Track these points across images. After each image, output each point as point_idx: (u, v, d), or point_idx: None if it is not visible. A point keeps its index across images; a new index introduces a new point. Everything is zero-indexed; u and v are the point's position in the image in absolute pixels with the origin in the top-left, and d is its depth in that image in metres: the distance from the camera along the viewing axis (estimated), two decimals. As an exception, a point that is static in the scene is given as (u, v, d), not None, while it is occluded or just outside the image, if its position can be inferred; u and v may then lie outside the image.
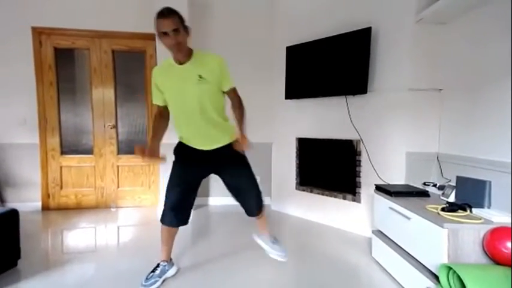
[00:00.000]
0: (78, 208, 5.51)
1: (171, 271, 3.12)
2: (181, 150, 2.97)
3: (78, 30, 5.29)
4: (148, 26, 5.16)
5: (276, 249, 3.26)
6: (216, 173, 3.04)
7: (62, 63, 5.43)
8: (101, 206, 5.60)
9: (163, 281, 3.01)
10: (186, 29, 2.63)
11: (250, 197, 3.10)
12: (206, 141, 2.86)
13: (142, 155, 2.77)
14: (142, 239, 4.19)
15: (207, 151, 2.87)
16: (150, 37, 5.27)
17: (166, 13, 2.53)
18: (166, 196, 2.96)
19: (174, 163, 3.01)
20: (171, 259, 3.16)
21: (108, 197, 5.63)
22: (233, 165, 2.98)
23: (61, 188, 5.49)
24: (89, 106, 5.50)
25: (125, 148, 5.67)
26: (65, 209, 5.45)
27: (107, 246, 3.98)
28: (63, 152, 5.49)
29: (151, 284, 2.90)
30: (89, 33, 5.34)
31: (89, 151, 5.56)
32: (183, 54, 2.67)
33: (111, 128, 5.53)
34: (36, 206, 5.36)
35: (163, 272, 3.03)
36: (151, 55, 5.48)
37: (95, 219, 5.00)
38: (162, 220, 2.97)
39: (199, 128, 2.80)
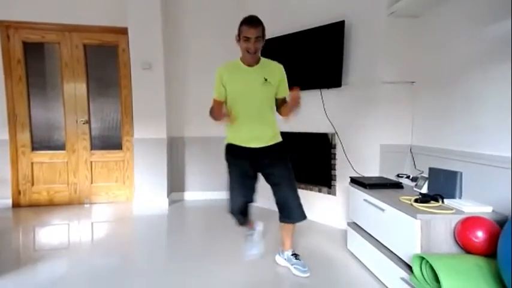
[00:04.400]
0: (51, 205, 5.41)
1: (259, 228, 3.51)
2: (232, 153, 3.13)
3: (47, 24, 5.18)
4: (121, 19, 5.15)
5: (299, 265, 3.15)
6: (260, 171, 3.14)
7: (31, 58, 5.31)
8: (74, 202, 5.51)
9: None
10: (264, 38, 2.95)
11: (292, 200, 3.09)
12: (259, 137, 3.01)
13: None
14: (117, 235, 4.15)
15: (256, 148, 3.01)
16: (122, 31, 5.21)
17: (255, 21, 2.85)
18: (231, 197, 3.12)
19: (230, 167, 3.15)
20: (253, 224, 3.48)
21: (82, 193, 5.54)
22: (278, 164, 3.09)
23: (32, 184, 5.38)
24: (61, 101, 5.39)
25: (98, 143, 5.59)
26: (36, 206, 5.34)
27: (80, 243, 3.92)
28: (34, 148, 5.38)
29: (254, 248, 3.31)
30: (59, 27, 5.23)
31: (61, 147, 5.46)
32: (255, 60, 2.99)
33: (83, 123, 5.43)
34: (7, 203, 5.25)
35: (258, 233, 3.43)
36: (124, 49, 5.40)
37: (68, 215, 4.92)
38: (232, 211, 3.15)
39: (255, 124, 3.00)
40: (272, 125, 3.08)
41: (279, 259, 3.30)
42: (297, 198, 3.08)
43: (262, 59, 3.06)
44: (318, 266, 3.21)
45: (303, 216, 3.08)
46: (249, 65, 2.99)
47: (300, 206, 3.07)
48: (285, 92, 3.09)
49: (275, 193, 3.15)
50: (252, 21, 2.84)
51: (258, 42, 2.85)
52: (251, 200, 3.17)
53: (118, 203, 5.57)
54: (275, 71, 3.04)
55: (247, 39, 2.82)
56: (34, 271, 3.17)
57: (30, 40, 5.24)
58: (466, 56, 3.01)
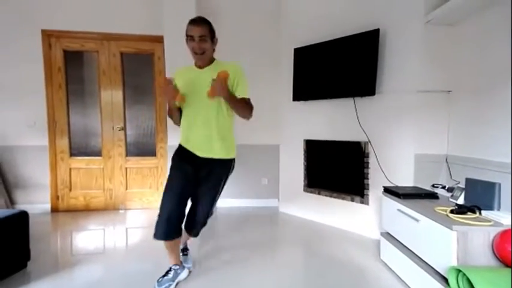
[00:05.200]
0: (87, 210, 5.54)
1: (183, 274, 3.08)
2: (180, 153, 3.00)
3: (87, 33, 5.34)
4: (157, 28, 5.26)
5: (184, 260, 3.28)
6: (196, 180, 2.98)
7: (71, 66, 5.47)
8: (109, 208, 5.62)
9: (177, 284, 2.99)
10: (213, 39, 2.82)
11: (199, 218, 3.05)
12: (204, 146, 2.89)
13: (165, 84, 2.71)
14: (150, 241, 4.16)
15: (201, 158, 2.90)
16: (158, 39, 5.31)
17: (198, 20, 2.76)
18: (162, 206, 2.84)
19: (171, 167, 2.99)
20: (181, 262, 3.14)
21: (117, 198, 5.65)
22: (210, 181, 2.96)
23: (70, 189, 5.52)
24: (98, 108, 5.53)
25: (133, 150, 5.70)
26: (73, 211, 5.48)
27: (115, 248, 4.00)
28: (72, 154, 5.53)
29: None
30: (98, 35, 5.38)
31: (97, 153, 5.59)
32: (204, 62, 2.86)
33: (119, 130, 5.55)
34: (46, 208, 5.39)
35: (176, 275, 3.00)
36: (160, 57, 5.51)
37: (103, 221, 5.03)
38: (155, 235, 2.82)
39: (203, 132, 2.86)
40: (224, 136, 2.91)
41: None
42: (205, 218, 3.08)
43: (217, 61, 2.92)
44: (350, 276, 3.18)
45: (196, 235, 3.24)
46: (200, 67, 2.88)
47: (201, 226, 3.14)
48: (241, 92, 2.82)
49: (191, 203, 3.06)
50: (195, 20, 2.76)
51: (203, 41, 2.72)
52: (184, 207, 2.91)
53: (151, 209, 5.64)
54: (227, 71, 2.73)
55: (191, 38, 2.72)
56: (71, 275, 3.25)
57: (70, 48, 5.41)
58: (505, 64, 2.95)
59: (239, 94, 2.82)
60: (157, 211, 2.83)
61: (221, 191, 3.06)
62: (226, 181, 3.06)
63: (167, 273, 2.98)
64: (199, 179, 2.94)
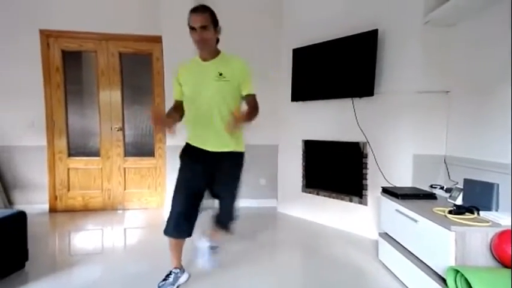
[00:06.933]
0: (85, 210, 5.53)
1: (183, 278, 3.03)
2: (188, 152, 2.90)
3: (85, 33, 5.34)
4: (155, 28, 5.25)
5: (208, 256, 3.15)
6: (211, 177, 2.92)
7: (69, 66, 5.47)
8: (107, 208, 5.61)
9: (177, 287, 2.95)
10: (216, 28, 2.74)
11: (225, 213, 3.07)
12: (214, 141, 2.78)
13: (155, 116, 2.53)
14: (149, 241, 4.20)
15: (212, 153, 2.79)
16: (156, 40, 5.30)
17: (198, 9, 2.63)
18: (172, 203, 2.84)
19: (180, 168, 2.93)
20: (181, 266, 3.07)
21: (115, 199, 5.65)
22: (227, 178, 2.93)
23: (68, 190, 5.52)
24: (96, 108, 5.53)
25: (132, 150, 5.70)
26: (72, 211, 5.47)
27: (113, 249, 4.00)
28: (70, 154, 5.52)
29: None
30: (96, 36, 5.37)
31: (96, 153, 5.59)
32: (207, 52, 2.76)
33: (118, 130, 5.55)
34: (44, 208, 5.38)
35: (176, 279, 2.93)
36: (158, 58, 5.50)
37: (101, 221, 5.02)
38: (166, 231, 2.82)
39: (209, 125, 2.75)
40: None
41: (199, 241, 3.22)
42: (232, 213, 3.06)
43: (223, 54, 2.84)
44: (349, 277, 3.18)
45: (229, 230, 3.16)
46: (205, 60, 2.78)
47: (230, 220, 3.11)
48: (247, 89, 2.80)
49: (218, 201, 3.05)
50: (196, 9, 2.63)
51: (205, 32, 2.61)
52: (196, 206, 2.89)
53: (150, 209, 5.64)
54: (233, 65, 2.77)
55: (192, 29, 2.61)
56: (69, 275, 3.25)
57: (68, 48, 5.41)
58: (504, 64, 2.95)
59: (247, 92, 2.81)
60: (164, 210, 2.82)
61: (239, 186, 3.00)
62: (241, 175, 2.99)
63: (167, 276, 2.91)
64: (214, 175, 2.87)
